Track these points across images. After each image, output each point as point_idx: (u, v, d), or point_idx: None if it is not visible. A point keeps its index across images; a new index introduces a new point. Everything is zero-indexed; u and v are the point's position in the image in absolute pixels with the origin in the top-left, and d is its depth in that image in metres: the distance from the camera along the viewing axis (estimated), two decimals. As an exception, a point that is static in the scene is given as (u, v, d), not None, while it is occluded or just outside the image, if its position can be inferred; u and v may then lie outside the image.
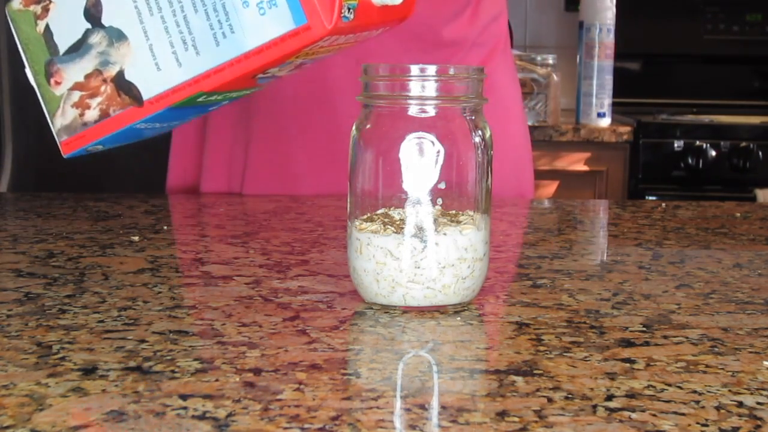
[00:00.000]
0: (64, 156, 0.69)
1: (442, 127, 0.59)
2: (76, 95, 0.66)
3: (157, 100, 0.65)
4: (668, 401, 0.44)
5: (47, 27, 0.67)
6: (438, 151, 0.59)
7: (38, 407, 0.42)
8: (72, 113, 0.67)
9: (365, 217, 0.61)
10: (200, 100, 0.66)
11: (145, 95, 0.65)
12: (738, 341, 0.54)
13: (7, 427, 0.40)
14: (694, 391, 0.46)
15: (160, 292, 0.64)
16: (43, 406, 0.43)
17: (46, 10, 0.67)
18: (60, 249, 0.78)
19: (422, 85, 0.59)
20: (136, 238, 0.83)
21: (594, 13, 2.44)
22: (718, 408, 0.44)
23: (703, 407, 0.44)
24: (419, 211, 0.59)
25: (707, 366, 0.50)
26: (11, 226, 0.91)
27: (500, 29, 1.16)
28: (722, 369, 0.49)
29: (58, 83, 0.67)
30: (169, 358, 0.50)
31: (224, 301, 0.62)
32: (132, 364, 0.49)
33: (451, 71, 0.61)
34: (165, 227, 0.90)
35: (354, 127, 0.61)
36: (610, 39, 2.45)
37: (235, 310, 0.59)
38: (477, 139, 0.60)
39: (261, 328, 0.55)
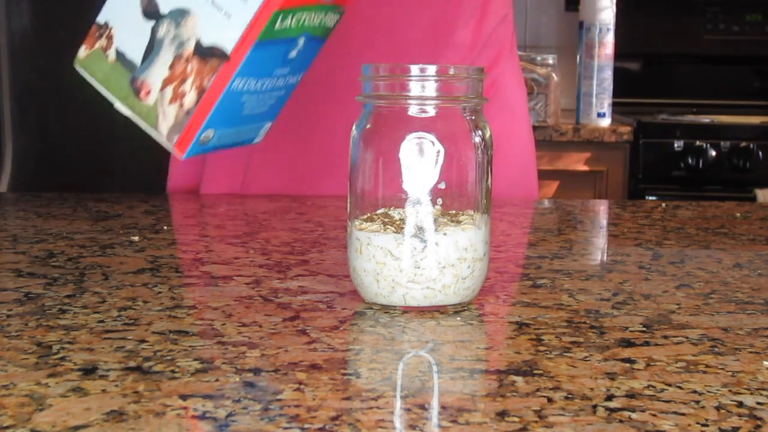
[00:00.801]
0: (182, 158, 0.70)
1: (442, 127, 0.59)
2: (169, 91, 0.68)
3: (240, 45, 0.65)
4: (668, 401, 0.44)
5: (117, 52, 0.70)
6: (438, 151, 0.59)
7: (38, 407, 0.42)
8: (172, 110, 0.68)
9: (365, 217, 0.61)
10: (277, 27, 0.66)
11: (228, 47, 0.65)
12: (738, 341, 0.54)
13: (7, 427, 0.40)
14: (694, 391, 0.46)
15: (160, 292, 0.64)
16: (43, 406, 0.43)
17: (109, 38, 0.70)
18: (60, 249, 0.78)
19: (422, 85, 0.59)
20: (136, 238, 0.83)
21: (594, 13, 2.44)
22: (718, 408, 0.44)
23: (703, 407, 0.44)
24: (419, 211, 0.59)
25: (707, 366, 0.50)
26: (11, 226, 0.91)
27: (507, 31, 1.16)
28: (722, 369, 0.49)
29: (148, 93, 0.69)
30: (169, 358, 0.50)
31: (224, 301, 0.62)
32: (132, 364, 0.49)
33: (451, 71, 0.61)
34: (165, 227, 0.90)
35: (354, 127, 0.61)
36: (610, 39, 2.45)
37: (235, 310, 0.59)
38: (477, 139, 0.60)
39: (261, 328, 0.55)
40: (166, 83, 0.68)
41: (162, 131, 0.70)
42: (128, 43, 0.69)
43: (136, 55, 0.69)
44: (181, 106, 0.68)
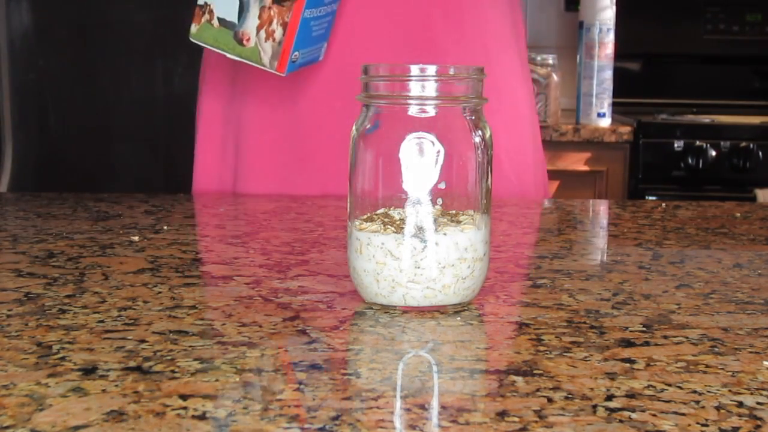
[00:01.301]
0: (283, 74, 0.95)
1: (442, 127, 0.59)
2: (263, 33, 0.94)
3: None
4: (668, 401, 0.44)
5: (219, 19, 0.95)
6: (438, 151, 0.59)
7: (38, 407, 0.42)
8: (269, 45, 0.94)
9: (365, 217, 0.61)
10: None
11: None
12: (738, 341, 0.54)
13: (7, 427, 0.40)
14: (694, 391, 0.46)
15: (160, 292, 0.64)
16: (43, 406, 0.43)
17: (210, 12, 0.96)
18: (60, 249, 0.78)
19: (422, 85, 0.59)
20: (136, 238, 0.83)
21: (594, 13, 2.44)
22: (718, 408, 0.44)
23: (703, 407, 0.44)
24: (419, 211, 0.59)
25: (707, 366, 0.50)
26: (11, 226, 0.91)
27: (483, 23, 1.13)
28: (722, 369, 0.49)
29: (248, 40, 0.95)
30: (169, 358, 0.50)
31: (224, 301, 0.62)
32: (132, 364, 0.49)
33: (451, 71, 0.61)
34: (165, 227, 0.90)
35: (354, 127, 0.61)
36: (610, 39, 2.45)
37: (235, 310, 0.59)
38: (477, 139, 0.60)
39: (261, 328, 0.55)
40: (259, 29, 0.94)
41: (265, 62, 0.95)
42: (225, 11, 0.95)
43: (233, 17, 0.95)
44: (274, 40, 0.93)
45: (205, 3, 0.96)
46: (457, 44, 1.09)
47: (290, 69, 0.95)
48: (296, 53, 0.94)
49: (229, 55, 0.96)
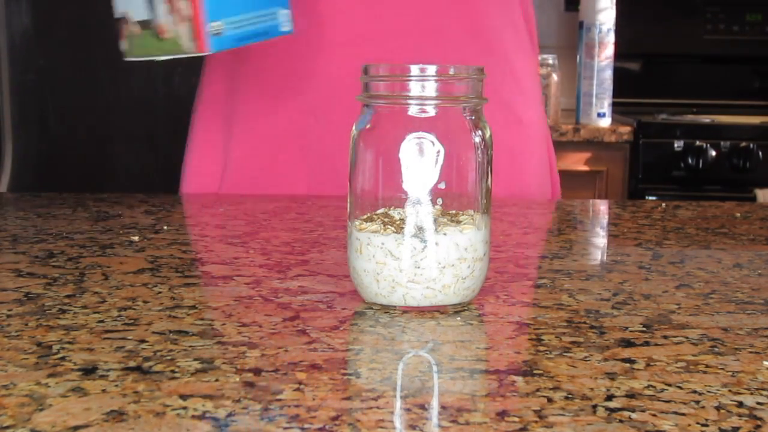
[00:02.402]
0: (207, 52, 0.81)
1: (442, 127, 0.59)
2: (173, 16, 0.80)
3: None
4: (668, 401, 0.44)
5: (138, 23, 0.83)
6: (438, 151, 0.59)
7: (38, 407, 0.42)
8: (182, 26, 0.80)
9: (365, 217, 0.61)
10: None
11: None
12: (738, 341, 0.54)
13: (7, 427, 0.40)
14: (694, 391, 0.46)
15: (160, 292, 0.64)
16: (43, 406, 0.43)
17: (128, 21, 0.84)
18: (60, 249, 0.78)
19: (422, 85, 0.59)
20: (136, 238, 0.83)
21: (594, 13, 2.44)
22: (718, 408, 0.44)
23: (703, 407, 0.44)
24: (419, 211, 0.59)
25: (707, 366, 0.50)
26: (11, 226, 0.91)
27: (467, 15, 1.13)
28: (722, 369, 0.49)
29: (164, 32, 0.81)
30: (169, 358, 0.50)
31: (224, 301, 0.62)
32: (132, 364, 0.49)
33: (451, 71, 0.61)
34: (165, 227, 0.90)
35: (354, 127, 0.61)
36: (610, 39, 2.45)
37: (235, 310, 0.59)
38: (477, 139, 0.60)
39: (261, 328, 0.55)
40: (169, 13, 0.80)
41: (186, 48, 0.81)
42: (138, 11, 0.82)
43: (147, 12, 0.81)
44: (184, 18, 0.79)
45: (122, 14, 0.84)
46: (466, 38, 1.09)
47: (218, 46, 0.80)
48: (216, 23, 0.79)
49: (158, 59, 0.83)
